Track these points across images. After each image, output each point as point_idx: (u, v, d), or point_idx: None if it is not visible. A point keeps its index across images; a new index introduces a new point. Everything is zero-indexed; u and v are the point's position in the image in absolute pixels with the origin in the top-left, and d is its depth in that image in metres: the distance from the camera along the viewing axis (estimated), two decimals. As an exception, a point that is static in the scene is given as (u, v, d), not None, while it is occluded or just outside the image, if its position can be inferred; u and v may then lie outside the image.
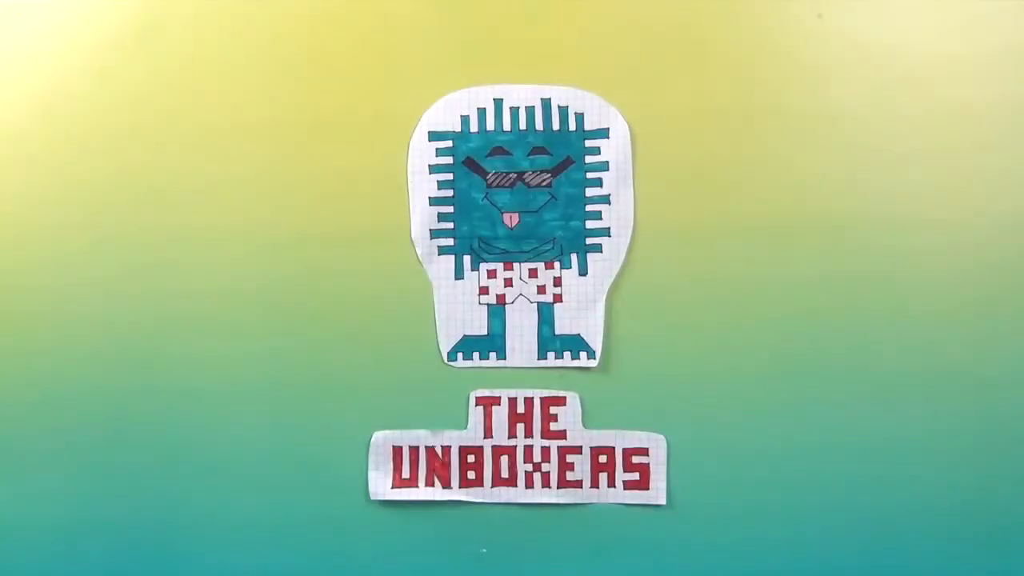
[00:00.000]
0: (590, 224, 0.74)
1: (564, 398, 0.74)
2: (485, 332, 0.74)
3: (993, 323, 0.72)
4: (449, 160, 0.74)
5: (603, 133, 0.74)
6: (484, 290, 0.74)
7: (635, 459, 0.74)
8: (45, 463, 0.74)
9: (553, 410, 0.74)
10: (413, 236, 0.74)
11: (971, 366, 0.73)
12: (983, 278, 0.72)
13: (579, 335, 0.74)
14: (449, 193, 0.74)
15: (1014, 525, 0.72)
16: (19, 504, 0.74)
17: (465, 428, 0.74)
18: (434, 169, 0.74)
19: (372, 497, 0.74)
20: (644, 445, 0.74)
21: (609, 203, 0.74)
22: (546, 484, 0.74)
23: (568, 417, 0.74)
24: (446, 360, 0.74)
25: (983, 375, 0.72)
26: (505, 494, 0.74)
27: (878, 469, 0.73)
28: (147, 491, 0.74)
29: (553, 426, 0.74)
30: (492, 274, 0.74)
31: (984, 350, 0.72)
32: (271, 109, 0.74)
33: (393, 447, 0.74)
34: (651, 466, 0.74)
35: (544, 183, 0.74)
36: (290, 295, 0.74)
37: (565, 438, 0.74)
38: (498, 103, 0.74)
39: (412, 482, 0.74)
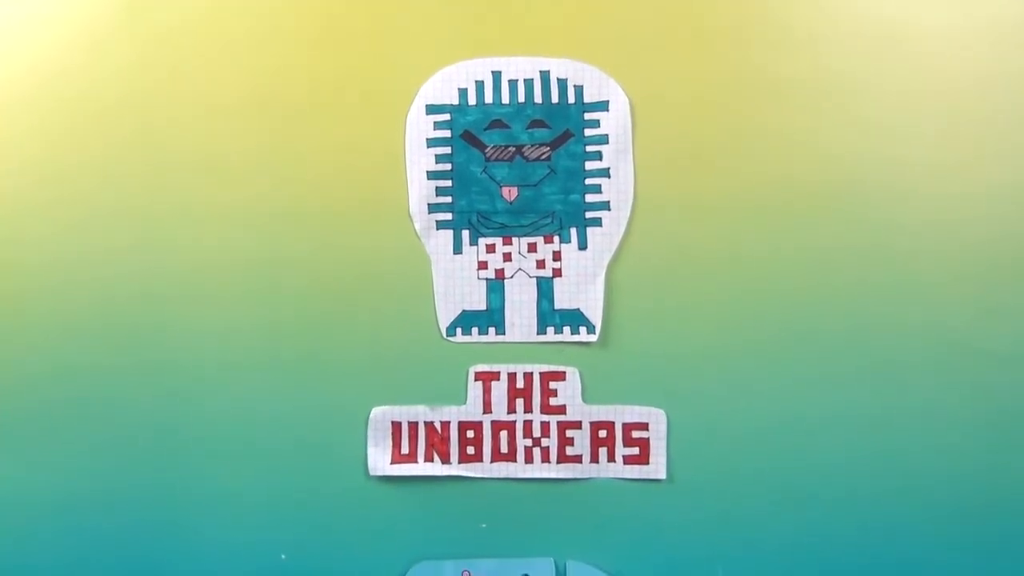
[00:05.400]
0: (589, 198, 0.74)
1: (564, 373, 0.74)
2: (484, 307, 0.74)
3: (994, 296, 0.72)
4: (447, 134, 0.74)
5: (602, 106, 0.73)
6: (483, 265, 0.74)
7: (635, 434, 0.73)
8: (42, 440, 0.74)
9: (552, 385, 0.74)
10: (411, 211, 0.74)
11: (972, 339, 0.72)
12: (984, 251, 0.72)
13: (578, 310, 0.74)
14: (447, 167, 0.74)
15: (1016, 500, 0.72)
16: (16, 482, 0.74)
17: (464, 403, 0.74)
18: (432, 143, 0.74)
19: (371, 473, 0.74)
20: (644, 420, 0.73)
21: (609, 176, 0.73)
22: (546, 459, 0.74)
23: (568, 392, 0.74)
24: (445, 335, 0.74)
25: (984, 348, 0.72)
26: (504, 469, 0.74)
27: (878, 443, 0.73)
28: (145, 468, 0.74)
29: (552, 401, 0.74)
30: (491, 248, 0.74)
31: (985, 324, 0.72)
32: (267, 84, 0.73)
33: (392, 423, 0.74)
34: (651, 441, 0.73)
35: (543, 156, 0.74)
36: (288, 271, 0.74)
37: (565, 413, 0.74)
38: (496, 76, 0.73)
39: (411, 457, 0.74)
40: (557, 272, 0.74)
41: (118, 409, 0.74)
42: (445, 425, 0.74)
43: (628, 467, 0.74)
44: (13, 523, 0.74)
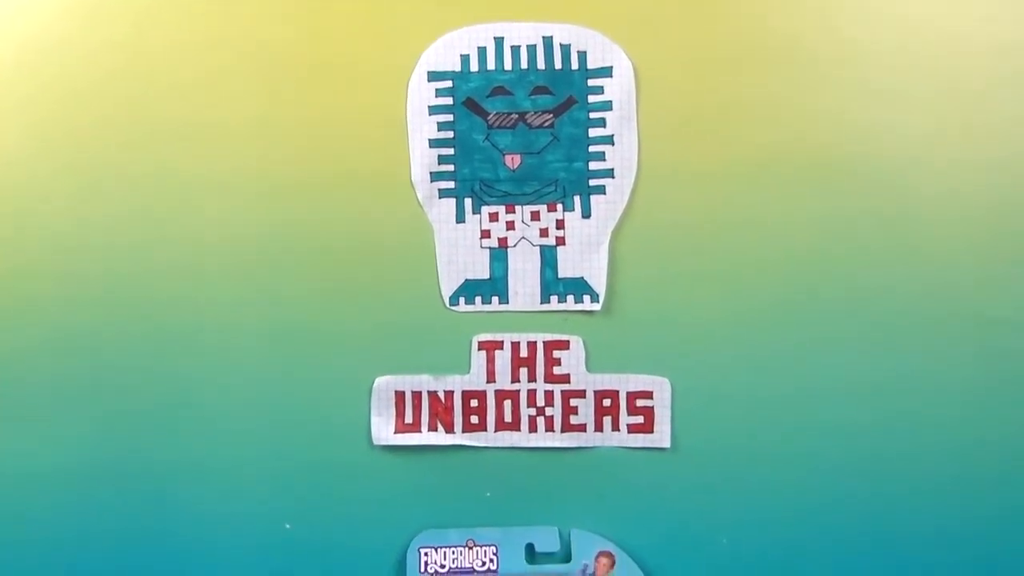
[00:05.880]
0: (593, 165, 0.73)
1: (567, 342, 0.73)
2: (487, 276, 0.73)
3: (998, 264, 0.72)
4: (449, 101, 0.73)
5: (606, 72, 0.72)
6: (486, 233, 0.73)
7: (639, 402, 0.73)
8: (42, 411, 0.74)
9: (556, 354, 0.73)
10: (413, 179, 0.73)
11: (977, 306, 0.72)
12: (989, 219, 0.72)
13: (582, 278, 0.73)
14: (449, 135, 0.73)
15: (1017, 464, 0.72)
16: (17, 452, 0.74)
17: (468, 373, 0.74)
18: (434, 110, 0.73)
19: (375, 442, 0.73)
20: (648, 388, 0.73)
21: (612, 144, 0.73)
22: (550, 428, 0.74)
23: (571, 361, 0.73)
24: (448, 305, 0.73)
25: (988, 315, 0.72)
26: (508, 438, 0.74)
27: (883, 410, 0.72)
28: (146, 437, 0.73)
29: (556, 370, 0.73)
30: (494, 217, 0.73)
31: (989, 291, 0.72)
32: (266, 50, 0.72)
33: (395, 392, 0.73)
34: (655, 409, 0.73)
35: (546, 124, 0.73)
36: (289, 240, 0.73)
37: (569, 382, 0.73)
38: (499, 42, 0.72)
39: (415, 427, 0.74)
40: (560, 240, 0.73)
41: (116, 380, 0.73)
42: (449, 395, 0.74)
43: (632, 436, 0.73)
44: (15, 496, 0.74)
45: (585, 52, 0.72)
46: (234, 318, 0.73)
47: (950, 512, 0.73)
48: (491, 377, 0.74)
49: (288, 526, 0.74)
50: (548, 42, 0.72)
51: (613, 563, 0.72)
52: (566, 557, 0.73)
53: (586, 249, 0.73)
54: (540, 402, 0.74)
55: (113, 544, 0.74)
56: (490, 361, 0.73)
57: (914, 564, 0.73)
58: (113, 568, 0.74)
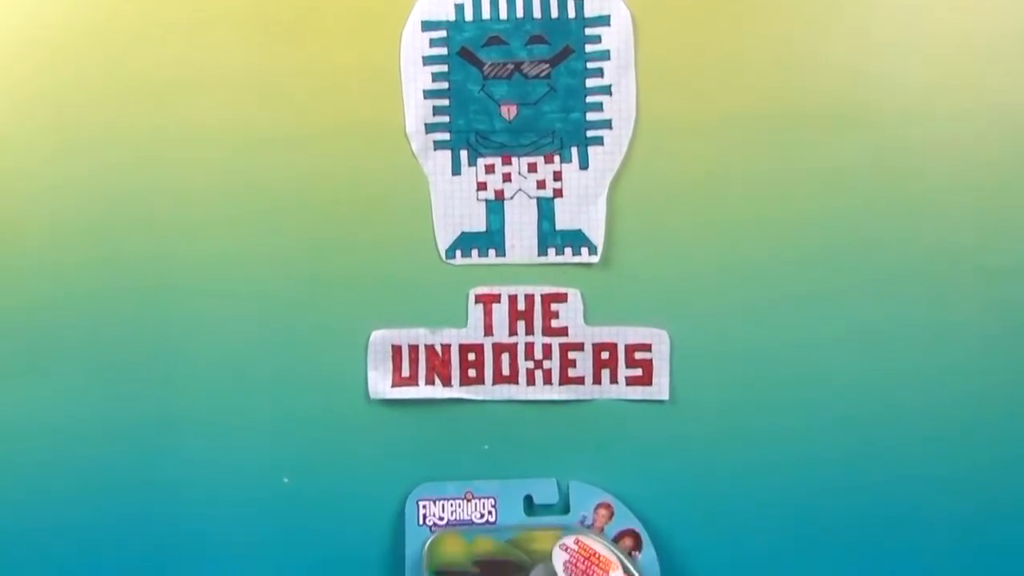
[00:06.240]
0: (590, 116, 0.72)
1: (565, 294, 0.73)
2: (483, 228, 0.73)
3: (1000, 213, 0.71)
4: (443, 51, 0.72)
5: (604, 20, 0.71)
6: (482, 185, 0.73)
7: (637, 355, 0.73)
8: (38, 367, 0.73)
9: (554, 307, 0.73)
10: (408, 131, 0.72)
11: (978, 257, 0.72)
12: (991, 169, 0.71)
13: (580, 230, 0.72)
14: (444, 85, 0.72)
15: (1020, 413, 0.72)
16: (13, 408, 0.73)
17: (465, 326, 0.73)
18: (428, 61, 0.72)
19: (372, 396, 0.73)
20: (646, 341, 0.73)
21: (610, 94, 0.72)
22: (548, 381, 0.73)
23: (569, 314, 0.73)
24: (444, 258, 0.73)
25: (990, 265, 0.72)
26: (506, 391, 0.73)
27: (884, 360, 0.72)
28: (141, 391, 0.73)
29: (554, 323, 0.73)
30: (490, 169, 0.72)
31: (991, 240, 0.71)
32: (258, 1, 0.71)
33: (392, 346, 0.73)
34: (654, 362, 0.73)
35: (543, 73, 0.72)
36: (283, 193, 0.72)
37: (566, 335, 0.73)
38: (494, -11, 0.71)
39: (412, 380, 0.73)
40: (558, 192, 0.72)
41: (111, 334, 0.73)
42: (446, 348, 0.73)
43: (631, 388, 0.73)
44: (8, 450, 0.73)
45: (582, 0, 0.71)
46: (228, 272, 0.73)
47: (951, 461, 0.73)
48: (488, 330, 0.73)
49: (286, 480, 0.74)
50: (544, -11, 0.71)
51: (612, 514, 0.72)
52: (565, 509, 0.73)
53: (584, 201, 0.72)
54: (538, 355, 0.73)
55: (108, 498, 0.74)
56: (487, 314, 0.73)
57: (915, 514, 0.73)
58: (109, 522, 0.74)
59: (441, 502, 0.73)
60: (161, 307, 0.73)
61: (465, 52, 0.72)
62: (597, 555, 0.69)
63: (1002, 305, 0.72)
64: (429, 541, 0.71)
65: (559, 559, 0.69)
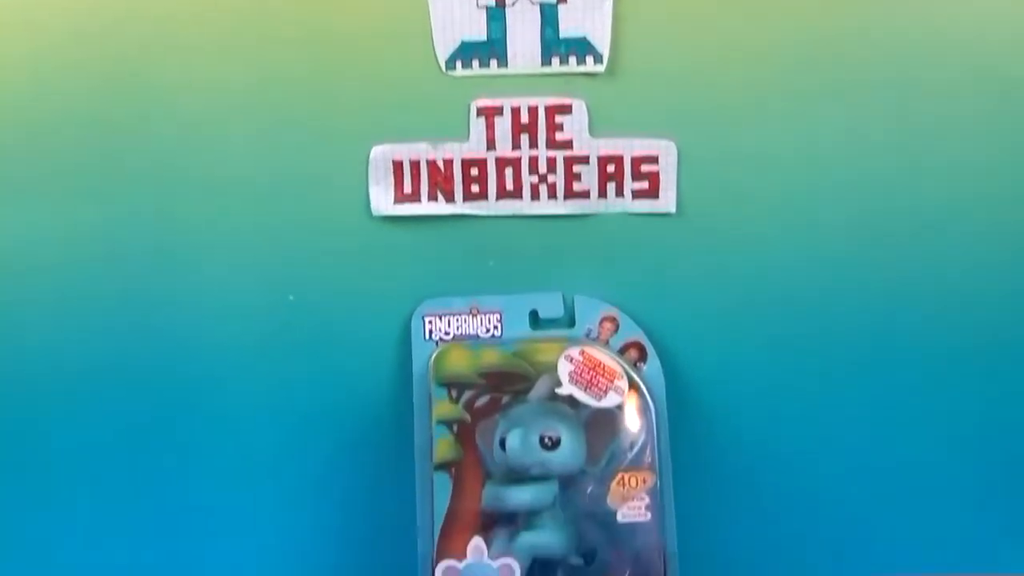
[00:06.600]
0: (595, -87, 0.68)
1: (570, 105, 0.70)
2: (484, 37, 0.70)
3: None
4: None
5: None
6: (482, -10, 0.69)
7: (644, 167, 0.71)
8: (41, 185, 0.72)
9: (559, 118, 0.71)
10: (403, -66, 0.68)
11: (996, 63, 0.69)
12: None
13: (585, 37, 0.69)
14: None
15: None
16: (16, 226, 0.73)
17: (467, 140, 0.71)
18: None
19: (374, 213, 0.72)
20: (653, 152, 0.71)
21: None
22: (552, 195, 0.72)
23: (574, 125, 0.71)
24: (444, 69, 0.70)
25: (1013, 74, 0.69)
26: (510, 206, 0.72)
27: (896, 166, 0.71)
28: (143, 208, 0.72)
29: (559, 135, 0.71)
30: (490, -28, 0.69)
31: (1012, 46, 0.69)
32: None
33: (393, 161, 0.71)
34: (660, 174, 0.71)
35: None
36: (278, 6, 0.69)
37: (571, 147, 0.71)
38: None
39: (414, 196, 0.72)
40: (561, -4, 0.69)
41: (116, 149, 0.71)
42: (448, 163, 0.72)
43: (637, 201, 0.72)
44: (13, 271, 0.73)
45: None
46: (226, 91, 0.70)
47: (963, 264, 0.72)
48: (491, 144, 0.71)
49: (291, 297, 0.74)
50: None
51: (617, 327, 0.72)
52: (570, 322, 0.73)
53: (589, 6, 0.69)
54: (542, 169, 0.72)
55: (110, 317, 0.74)
56: (490, 127, 0.71)
57: (927, 321, 0.73)
58: (109, 342, 0.74)
59: (447, 317, 0.73)
60: (157, 125, 0.71)
61: None
62: (602, 365, 0.69)
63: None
64: (435, 353, 0.71)
65: (564, 370, 0.69)
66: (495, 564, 0.66)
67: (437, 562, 0.66)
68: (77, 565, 0.77)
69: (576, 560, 0.68)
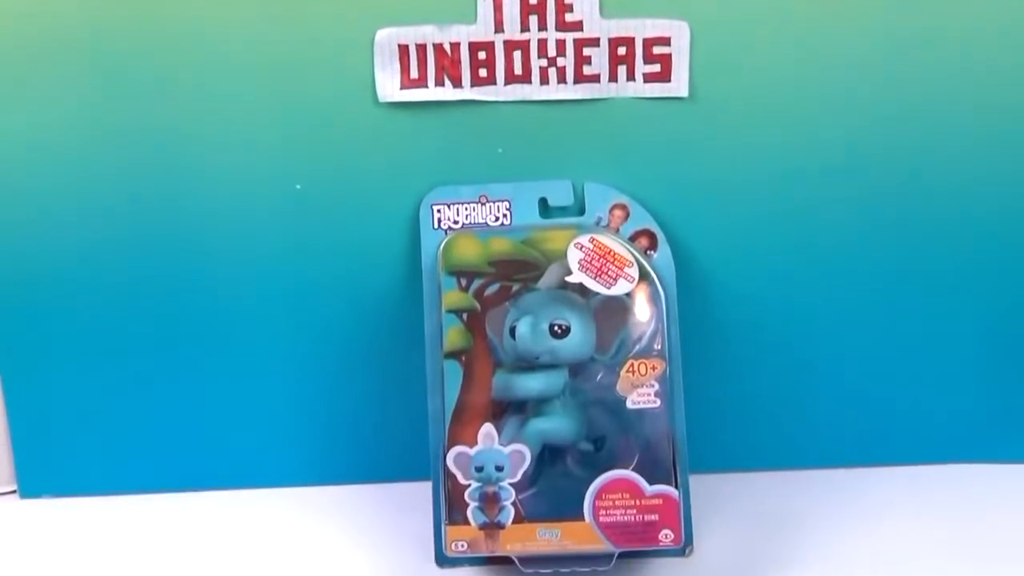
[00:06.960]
0: None
1: (580, -15, 0.68)
2: (491, -87, 0.67)
3: None
4: None
5: None
6: None
7: (656, 49, 0.69)
8: (40, 78, 0.70)
9: (568, -1, 0.69)
10: None
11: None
12: None
13: (595, -87, 0.67)
14: None
15: None
16: (23, 126, 0.71)
17: (474, 22, 0.69)
18: None
19: (380, 99, 0.70)
20: (666, 34, 0.69)
21: None
22: (562, 79, 0.70)
23: (584, 6, 0.68)
24: (449, -54, 0.68)
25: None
26: (519, 91, 0.71)
27: (912, 65, 0.69)
28: (150, 101, 0.71)
29: (568, 17, 0.69)
30: None
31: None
32: None
33: (399, 45, 0.69)
34: (673, 57, 0.69)
35: None
36: None
37: (581, 29, 0.69)
38: None
39: (421, 82, 0.70)
40: None
41: (119, 46, 0.69)
42: (455, 46, 0.70)
43: (648, 85, 0.70)
44: (17, 165, 0.72)
45: None
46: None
47: (971, 162, 0.72)
48: (499, 26, 0.69)
49: (298, 187, 0.73)
50: None
51: (627, 215, 0.71)
52: (580, 210, 0.72)
53: None
54: (551, 52, 0.70)
55: (120, 210, 0.73)
56: (497, 9, 0.69)
57: (934, 215, 0.73)
58: (118, 234, 0.74)
59: (455, 206, 0.72)
60: (161, 8, 0.68)
61: None
62: (612, 253, 0.69)
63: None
64: (444, 242, 0.70)
65: (574, 257, 0.69)
66: (506, 450, 0.66)
67: (449, 448, 0.67)
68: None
69: (586, 446, 0.69)
